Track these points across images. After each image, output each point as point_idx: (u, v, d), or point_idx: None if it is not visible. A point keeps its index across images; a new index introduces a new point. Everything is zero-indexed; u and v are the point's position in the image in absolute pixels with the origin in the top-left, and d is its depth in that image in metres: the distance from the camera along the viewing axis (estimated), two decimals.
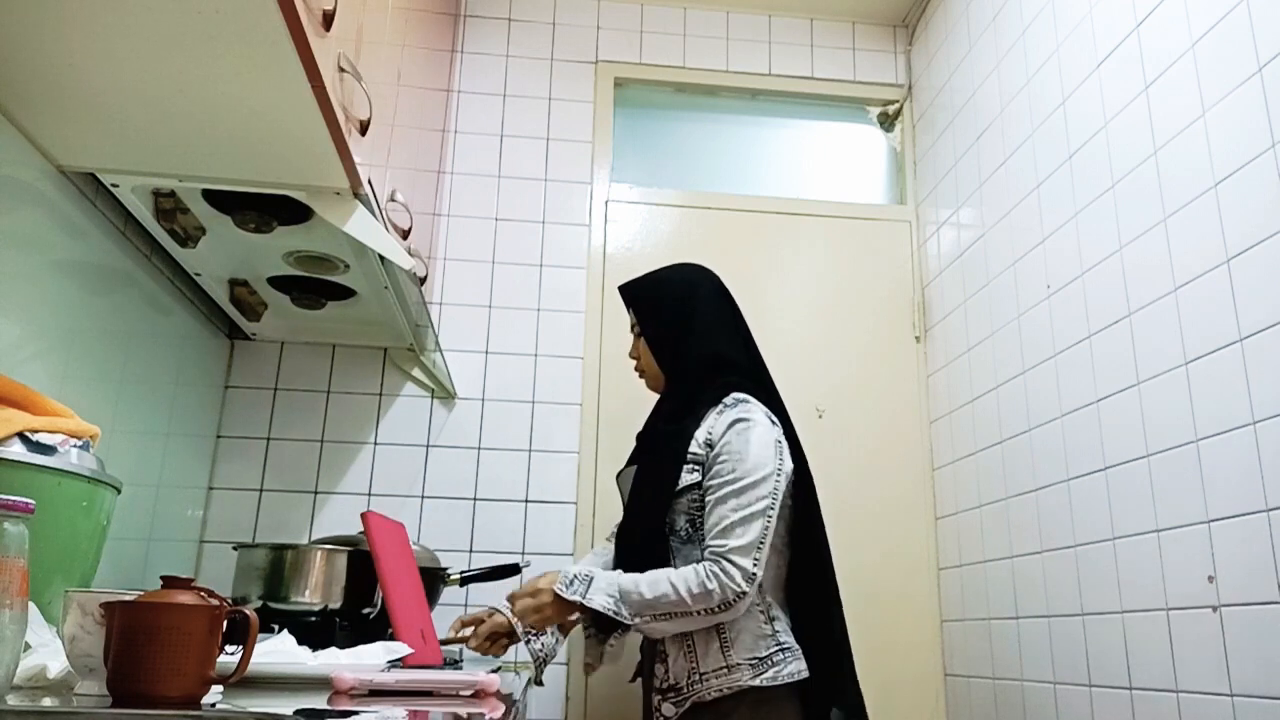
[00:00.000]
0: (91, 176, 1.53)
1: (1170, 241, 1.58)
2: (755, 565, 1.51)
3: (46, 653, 0.95)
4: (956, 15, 2.50)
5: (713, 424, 1.62)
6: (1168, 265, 1.58)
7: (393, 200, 1.76)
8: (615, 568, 1.66)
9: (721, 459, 1.58)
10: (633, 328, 1.82)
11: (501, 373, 2.44)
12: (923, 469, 2.50)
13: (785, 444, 1.62)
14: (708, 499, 1.58)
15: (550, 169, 2.62)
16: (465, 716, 0.90)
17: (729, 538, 1.51)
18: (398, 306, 2.06)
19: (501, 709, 0.96)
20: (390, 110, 1.72)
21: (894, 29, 2.86)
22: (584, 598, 1.56)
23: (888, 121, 2.82)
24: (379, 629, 1.72)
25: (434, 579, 1.98)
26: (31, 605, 0.92)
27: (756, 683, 1.54)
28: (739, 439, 1.57)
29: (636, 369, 1.83)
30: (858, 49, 2.83)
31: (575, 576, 1.59)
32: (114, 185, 1.55)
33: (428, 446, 2.37)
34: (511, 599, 1.69)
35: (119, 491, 1.24)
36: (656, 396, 1.83)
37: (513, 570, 2.05)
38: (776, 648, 1.58)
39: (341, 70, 1.34)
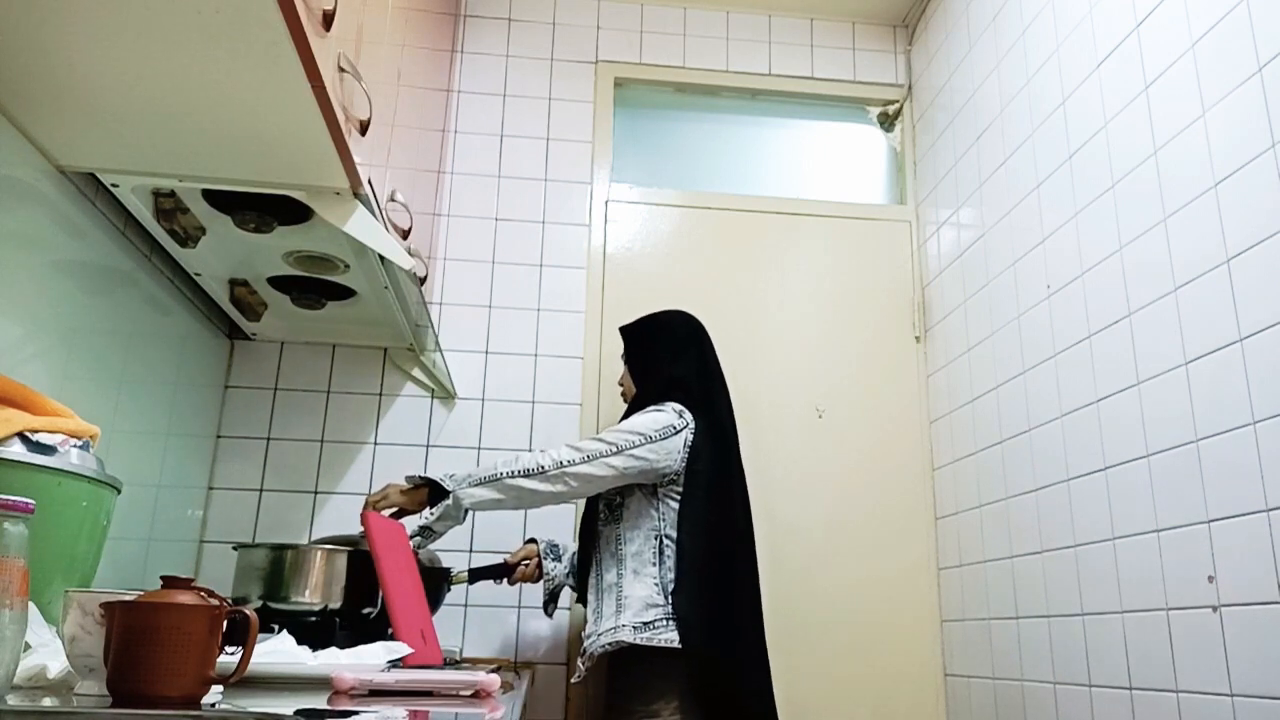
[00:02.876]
0: (91, 176, 1.53)
1: (1170, 241, 1.58)
2: (569, 464, 1.79)
3: (46, 653, 0.95)
4: (956, 15, 2.50)
5: None
6: (1168, 265, 1.58)
7: (393, 200, 1.76)
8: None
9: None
10: (623, 357, 2.13)
11: (501, 373, 2.44)
12: (923, 469, 2.49)
13: (683, 436, 1.86)
14: None
15: (550, 169, 2.62)
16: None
17: (580, 440, 1.86)
18: (398, 306, 2.06)
19: (501, 709, 0.96)
20: (390, 110, 1.72)
21: (894, 29, 2.86)
22: (432, 475, 1.83)
23: (888, 121, 2.82)
24: (379, 629, 1.72)
25: (439, 579, 1.98)
26: (31, 605, 0.92)
27: (634, 640, 1.75)
28: (640, 414, 1.89)
29: (622, 394, 2.14)
30: (858, 49, 2.83)
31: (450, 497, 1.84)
32: (114, 185, 1.55)
33: (428, 446, 2.37)
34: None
35: (119, 491, 1.24)
36: None
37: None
38: (664, 616, 1.77)
39: (341, 70, 1.34)
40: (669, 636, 1.75)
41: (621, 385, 2.13)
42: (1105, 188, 1.77)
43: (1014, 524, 2.06)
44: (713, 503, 1.86)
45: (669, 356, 2.02)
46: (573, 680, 1.89)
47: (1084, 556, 1.79)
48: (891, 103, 2.81)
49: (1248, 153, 1.41)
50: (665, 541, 1.83)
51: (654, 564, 1.82)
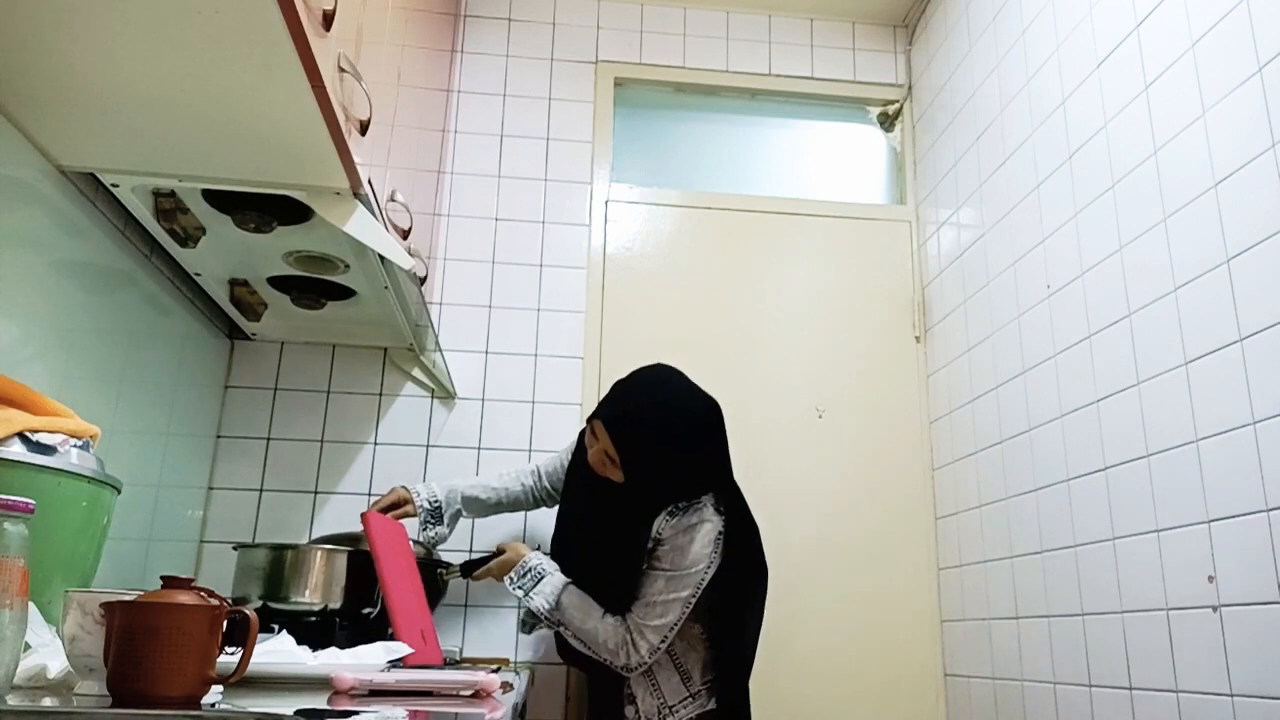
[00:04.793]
0: (91, 176, 1.53)
1: (1170, 241, 1.58)
2: (662, 644, 1.71)
3: (46, 653, 0.95)
4: (956, 15, 2.50)
5: (662, 524, 1.74)
6: (1168, 265, 1.58)
7: (393, 200, 1.76)
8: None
9: (666, 548, 1.73)
10: (593, 431, 1.77)
11: (501, 373, 2.44)
12: (923, 469, 2.49)
13: (724, 536, 1.75)
14: (648, 566, 1.74)
15: (550, 169, 2.62)
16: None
17: (650, 614, 1.71)
18: (398, 306, 2.06)
19: (501, 709, 0.96)
20: (390, 110, 1.72)
21: (894, 29, 2.86)
22: (527, 595, 1.77)
23: (888, 121, 2.82)
24: (379, 629, 1.72)
25: (431, 571, 1.97)
26: (31, 605, 0.92)
27: (712, 705, 1.75)
28: (685, 537, 1.73)
29: (591, 460, 1.78)
30: (858, 49, 2.83)
31: (529, 570, 1.79)
32: (114, 185, 1.55)
33: (428, 446, 2.37)
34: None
35: (119, 491, 1.24)
36: None
37: None
38: (716, 670, 1.78)
39: (341, 70, 1.34)
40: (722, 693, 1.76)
41: (596, 458, 1.76)
42: (1105, 188, 1.77)
43: (1014, 524, 2.06)
44: (740, 555, 1.78)
45: (688, 470, 1.74)
46: None
47: (1084, 556, 1.79)
48: (891, 103, 2.81)
49: (1248, 153, 1.41)
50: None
51: (693, 620, 1.76)
